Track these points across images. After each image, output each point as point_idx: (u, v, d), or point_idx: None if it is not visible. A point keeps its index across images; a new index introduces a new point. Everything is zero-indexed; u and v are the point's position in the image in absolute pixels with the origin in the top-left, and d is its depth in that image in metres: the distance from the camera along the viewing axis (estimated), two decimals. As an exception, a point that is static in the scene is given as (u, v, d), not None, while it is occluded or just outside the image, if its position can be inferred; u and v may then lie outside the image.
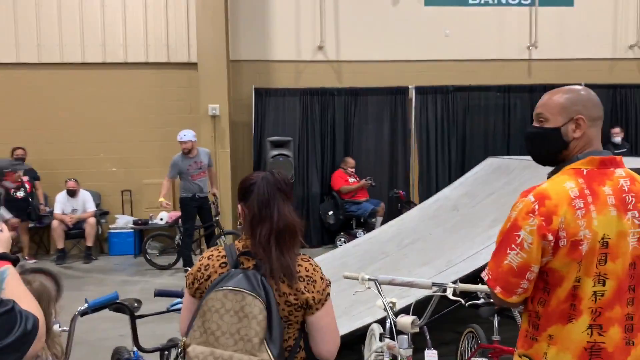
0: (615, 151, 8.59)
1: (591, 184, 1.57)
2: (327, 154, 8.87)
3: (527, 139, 1.76)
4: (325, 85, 8.85)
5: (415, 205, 7.46)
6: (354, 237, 7.60)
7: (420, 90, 9.00)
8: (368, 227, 8.14)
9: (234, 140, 8.63)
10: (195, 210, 7.04)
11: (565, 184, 1.57)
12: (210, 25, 8.01)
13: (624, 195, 1.58)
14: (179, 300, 2.60)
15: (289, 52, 8.85)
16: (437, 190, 7.53)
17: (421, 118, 9.05)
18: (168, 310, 2.68)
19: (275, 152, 8.06)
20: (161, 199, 6.88)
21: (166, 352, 2.73)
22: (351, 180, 8.50)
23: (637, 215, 1.59)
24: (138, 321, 2.69)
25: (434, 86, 9.01)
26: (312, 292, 1.66)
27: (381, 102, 8.94)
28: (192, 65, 8.40)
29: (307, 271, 1.69)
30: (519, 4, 9.09)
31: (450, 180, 7.81)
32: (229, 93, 8.30)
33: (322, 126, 8.86)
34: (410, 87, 8.97)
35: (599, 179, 1.59)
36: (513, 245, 1.56)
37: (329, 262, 5.58)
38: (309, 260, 1.72)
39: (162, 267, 7.44)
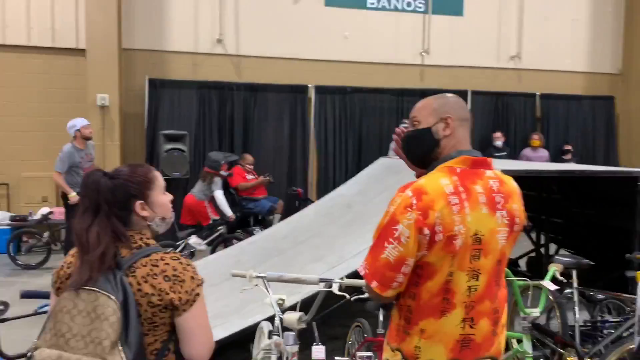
0: (496, 154, 9.26)
1: (464, 181, 1.65)
2: (225, 149, 8.70)
3: (404, 142, 1.83)
4: (224, 79, 8.69)
5: (313, 202, 7.55)
6: (251, 234, 7.52)
7: (319, 89, 9.12)
8: (266, 225, 8.09)
9: (125, 133, 8.22)
10: None
11: (440, 181, 1.64)
12: (101, 10, 7.57)
13: (493, 195, 1.68)
14: (48, 301, 2.41)
15: (187, 44, 8.59)
16: (335, 188, 7.67)
17: (320, 117, 9.17)
18: (36, 313, 2.47)
19: (169, 146, 7.80)
20: (72, 194, 6.01)
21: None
22: (249, 177, 8.41)
23: (505, 214, 1.69)
24: (6, 325, 2.47)
25: (333, 86, 9.17)
26: (179, 293, 1.56)
27: (281, 100, 8.95)
28: (80, 51, 7.89)
29: (175, 270, 1.58)
30: (414, 11, 9.50)
31: (347, 179, 7.97)
32: (120, 83, 7.89)
33: (220, 121, 8.70)
34: (310, 85, 9.06)
35: (471, 178, 1.67)
36: (391, 239, 1.60)
37: (223, 260, 5.48)
38: (178, 259, 1.62)
39: (29, 267, 6.89)
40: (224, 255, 5.71)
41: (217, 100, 8.65)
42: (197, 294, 1.60)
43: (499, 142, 9.48)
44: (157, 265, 1.58)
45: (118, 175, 1.66)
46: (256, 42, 8.84)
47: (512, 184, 1.76)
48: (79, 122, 6.21)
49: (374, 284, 1.63)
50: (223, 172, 7.42)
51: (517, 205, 1.73)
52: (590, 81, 10.40)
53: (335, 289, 2.56)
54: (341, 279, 2.69)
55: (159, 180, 1.74)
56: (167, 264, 1.59)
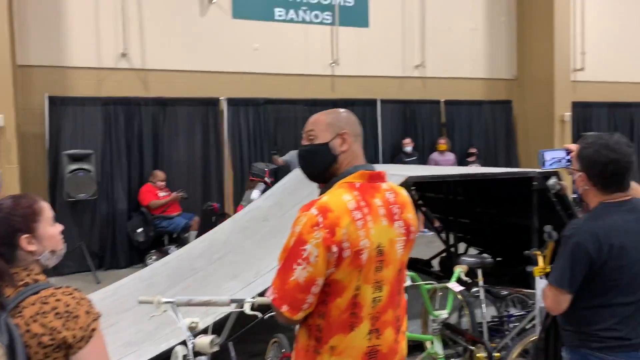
0: (406, 159, 9.60)
1: (365, 196, 1.69)
2: (134, 167, 8.38)
3: (301, 156, 1.84)
4: (130, 95, 8.37)
5: (230, 217, 7.43)
6: (166, 254, 7.28)
7: (231, 101, 9.02)
8: (181, 243, 7.87)
9: (24, 155, 7.69)
10: None
11: (343, 197, 1.66)
12: (-11, 25, 7.05)
13: (391, 206, 1.73)
14: None
15: (88, 59, 8.20)
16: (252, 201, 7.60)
17: (234, 129, 9.07)
18: None
19: (73, 166, 7.38)
20: None
21: None
22: (161, 194, 8.15)
23: (402, 224, 1.75)
24: None
25: (246, 98, 9.11)
26: (73, 330, 1.47)
27: (192, 113, 8.76)
28: (-32, 69, 7.30)
29: (68, 306, 1.49)
30: (321, 23, 9.66)
31: (264, 191, 7.94)
32: (15, 101, 7.38)
33: (128, 138, 8.36)
34: (221, 98, 8.94)
35: (370, 192, 1.71)
36: (299, 260, 1.59)
37: (134, 284, 5.26)
38: (71, 294, 1.52)
39: None
40: (137, 279, 5.48)
41: (123, 116, 8.32)
42: (94, 329, 1.51)
43: (408, 148, 9.84)
44: (47, 303, 1.48)
45: None
46: (163, 56, 8.61)
47: (405, 195, 1.84)
48: None
49: (284, 308, 1.61)
50: (267, 179, 7.97)
51: (411, 214, 1.81)
52: (489, 87, 11.05)
53: (247, 309, 2.52)
54: (254, 297, 2.66)
55: (47, 211, 1.64)
56: (59, 299, 1.49)
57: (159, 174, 8.24)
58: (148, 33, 8.52)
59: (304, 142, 1.83)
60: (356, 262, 1.62)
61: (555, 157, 2.74)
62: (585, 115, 11.53)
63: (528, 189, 4.62)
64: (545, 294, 2.19)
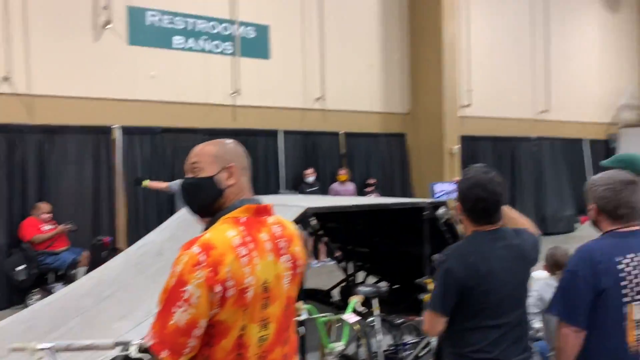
0: (308, 190, 9.70)
1: (251, 231, 1.64)
2: (16, 199, 7.72)
3: (184, 189, 1.76)
4: (12, 121, 7.77)
5: (122, 252, 7.02)
6: (50, 293, 6.72)
7: (126, 130, 8.65)
8: (68, 281, 7.31)
9: None
10: None
11: (227, 233, 1.60)
12: None
13: (277, 240, 1.71)
14: None
15: (-36, 82, 7.53)
16: (147, 234, 7.25)
17: (128, 159, 8.68)
18: None
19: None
20: None
21: None
22: (46, 227, 7.56)
23: (289, 259, 1.73)
24: None
25: (142, 127, 8.78)
26: None
27: (82, 142, 8.27)
28: None
29: None
30: (222, 53, 9.63)
31: (160, 223, 7.61)
32: None
33: (10, 168, 7.70)
34: (114, 126, 8.55)
35: (256, 227, 1.67)
36: (179, 303, 1.50)
37: (11, 328, 4.77)
38: None
39: None
40: (14, 322, 4.98)
41: (4, 144, 7.67)
42: None
43: (310, 178, 9.97)
44: None
45: None
46: (51, 81, 8.10)
47: (292, 228, 1.82)
48: None
49: (164, 354, 1.51)
50: None
51: (299, 247, 1.79)
52: (386, 120, 11.54)
53: (133, 352, 2.36)
54: (142, 338, 2.50)
55: None
56: None
57: (43, 207, 7.64)
58: (35, 57, 7.99)
59: (188, 175, 1.75)
60: (241, 301, 1.57)
61: (444, 190, 2.91)
62: (472, 148, 12.35)
63: (420, 218, 4.83)
64: (424, 318, 2.31)
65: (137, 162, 8.76)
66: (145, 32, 8.91)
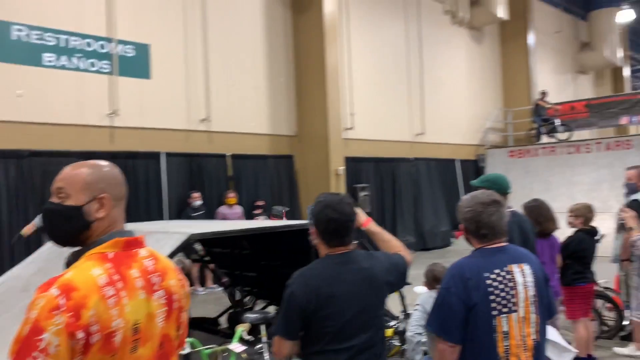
0: (193, 214, 9.41)
1: (119, 268, 1.50)
2: None
3: (45, 216, 1.57)
4: None
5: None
6: None
7: (-13, 154, 7.85)
8: None
9: None
10: None
11: (92, 271, 1.45)
12: None
13: (150, 276, 1.57)
14: None
15: None
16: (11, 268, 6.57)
17: (-11, 185, 7.86)
18: None
19: None
20: None
21: None
22: None
23: (162, 294, 1.59)
24: None
25: (5, 150, 8.01)
26: None
27: None
28: None
29: None
30: (98, 72, 9.11)
31: (27, 257, 6.94)
32: None
33: None
34: (-27, 150, 7.73)
35: (126, 262, 1.53)
36: (35, 353, 1.32)
37: None
38: None
39: None
40: None
41: None
42: None
43: (196, 203, 9.65)
44: None
45: None
46: None
47: (167, 261, 1.69)
48: None
49: None
50: (284, 218, 9.08)
51: (174, 281, 1.66)
52: (273, 142, 11.59)
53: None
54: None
55: None
56: None
57: None
58: None
59: (53, 199, 1.56)
60: (108, 346, 1.42)
61: None
62: (356, 169, 12.79)
63: (307, 240, 4.85)
64: (273, 341, 2.31)
65: (1, 189, 7.96)
66: (11, 48, 8.19)
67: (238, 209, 10.17)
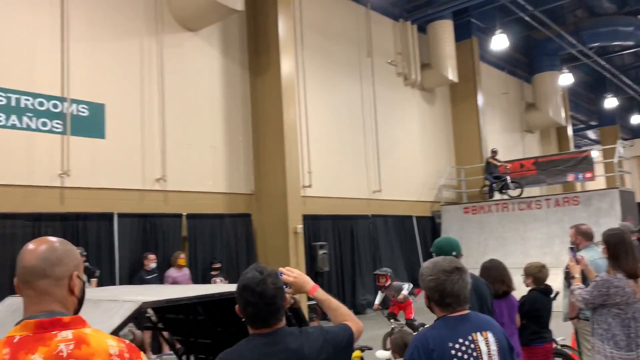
0: (147, 277, 9.08)
1: (18, 353, 1.41)
2: None
3: None
4: None
5: None
6: None
7: None
8: None
9: None
10: None
11: None
12: None
13: None
14: None
15: None
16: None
17: None
18: None
19: None
20: None
21: None
22: None
23: None
24: None
25: (-54, 212, 7.63)
26: None
27: None
28: None
29: None
30: (50, 131, 8.92)
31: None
32: None
33: None
34: None
35: (30, 346, 1.44)
36: None
37: None
38: None
39: None
40: None
41: None
42: None
43: (152, 264, 9.31)
44: None
45: None
46: None
47: (100, 344, 1.53)
48: None
49: None
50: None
51: None
52: (230, 200, 11.48)
53: None
54: None
55: None
56: None
57: None
58: None
59: None
60: None
61: None
62: (315, 226, 12.76)
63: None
64: None
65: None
66: (-44, 107, 7.95)
67: (187, 271, 9.82)
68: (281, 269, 2.51)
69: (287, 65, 11.84)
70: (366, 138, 14.93)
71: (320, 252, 12.44)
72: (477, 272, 4.37)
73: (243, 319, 2.20)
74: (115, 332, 3.24)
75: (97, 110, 9.54)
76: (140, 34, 10.34)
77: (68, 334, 1.49)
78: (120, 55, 9.99)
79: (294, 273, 2.52)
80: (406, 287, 8.70)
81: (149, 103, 10.28)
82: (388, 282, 8.76)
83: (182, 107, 10.82)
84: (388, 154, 15.49)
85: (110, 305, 4.31)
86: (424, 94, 17.74)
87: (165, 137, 10.41)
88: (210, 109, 11.41)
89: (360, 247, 13.99)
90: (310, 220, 12.46)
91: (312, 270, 12.25)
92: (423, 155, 17.14)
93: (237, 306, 2.21)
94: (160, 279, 9.43)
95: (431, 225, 16.49)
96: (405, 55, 16.77)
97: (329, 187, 13.39)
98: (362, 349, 5.45)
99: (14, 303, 5.54)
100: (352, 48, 14.93)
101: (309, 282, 2.52)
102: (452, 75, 17.10)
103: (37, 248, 1.60)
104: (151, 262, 9.31)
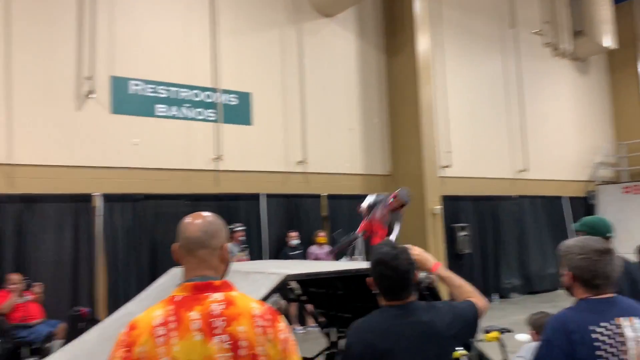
0: (291, 253, 9.64)
1: (179, 310, 1.63)
2: (-9, 271, 7.56)
3: None
4: (-9, 191, 7.74)
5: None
6: (23, 368, 6.48)
7: (107, 197, 8.63)
8: (43, 354, 7.06)
9: None
10: None
11: (154, 313, 1.63)
12: None
13: (212, 319, 1.64)
14: None
15: (-57, 152, 7.54)
16: (126, 304, 7.08)
17: (107, 227, 8.60)
18: None
19: None
20: None
21: None
22: (19, 301, 7.35)
23: (226, 338, 1.63)
24: None
25: (123, 194, 8.77)
26: None
27: (62, 210, 8.21)
28: None
29: None
30: (205, 120, 9.80)
31: (139, 292, 7.46)
32: None
33: (-14, 238, 7.60)
34: (95, 194, 8.53)
35: (188, 305, 1.64)
36: None
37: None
38: None
39: None
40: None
41: (-19, 215, 7.60)
42: None
43: (294, 241, 9.91)
44: None
45: None
46: (32, 150, 8.14)
47: (245, 306, 1.71)
48: None
49: None
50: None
51: (245, 327, 1.67)
52: (367, 182, 11.67)
53: None
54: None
55: None
56: None
57: (13, 277, 7.45)
58: (17, 126, 8.06)
59: None
60: None
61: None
62: (454, 208, 12.46)
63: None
64: None
65: (118, 230, 8.68)
66: (129, 101, 9.07)
67: (327, 248, 10.25)
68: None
69: (423, 43, 11.63)
70: (510, 114, 14.14)
71: (461, 234, 12.14)
72: (631, 257, 4.01)
73: (374, 292, 2.30)
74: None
75: (244, 99, 10.28)
76: (280, 24, 10.87)
77: (219, 295, 1.70)
78: (263, 45, 10.61)
79: (416, 250, 2.56)
80: None
81: (290, 89, 10.80)
82: None
83: (321, 92, 11.20)
84: (535, 131, 14.52)
85: (257, 276, 4.70)
86: (576, 64, 16.27)
87: (305, 121, 10.87)
88: (347, 92, 11.65)
89: (504, 229, 13.38)
90: (450, 201, 12.20)
91: (452, 253, 12.03)
92: (575, 130, 15.79)
93: (369, 279, 2.31)
94: (303, 256, 9.96)
95: (584, 206, 15.21)
96: (554, 24, 15.50)
97: (469, 167, 12.96)
98: (501, 331, 5.29)
99: (177, 273, 6.27)
100: (493, 20, 14.17)
101: (430, 260, 2.57)
102: (609, 41, 15.46)
103: (198, 221, 1.81)
104: (292, 239, 9.91)
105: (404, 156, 11.72)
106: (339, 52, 11.63)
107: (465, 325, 2.31)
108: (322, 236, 10.23)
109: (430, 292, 4.88)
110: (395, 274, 2.21)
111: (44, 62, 8.37)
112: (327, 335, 6.63)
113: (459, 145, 12.76)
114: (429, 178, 11.37)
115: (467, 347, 5.07)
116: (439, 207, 11.39)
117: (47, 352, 7.00)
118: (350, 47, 11.81)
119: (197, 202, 9.38)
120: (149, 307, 5.31)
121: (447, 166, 12.41)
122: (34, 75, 8.28)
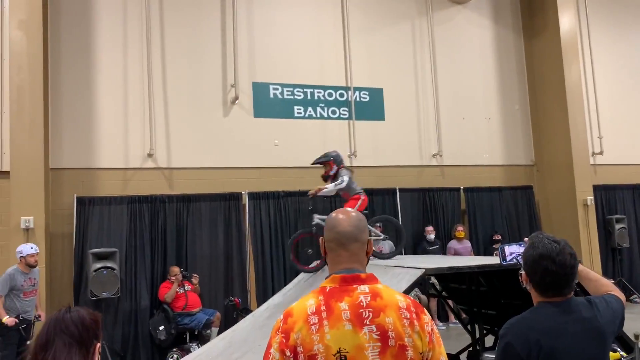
0: (429, 247, 9.51)
1: (329, 300, 1.71)
2: (157, 264, 8.47)
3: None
4: (155, 193, 8.66)
5: (251, 312, 7.34)
6: (188, 352, 7.18)
7: (253, 195, 9.23)
8: (203, 340, 7.77)
9: (51, 254, 7.89)
10: (18, 334, 6.34)
11: (307, 302, 1.72)
12: (27, 133, 7.52)
13: (361, 310, 1.70)
14: None
15: (116, 160, 8.60)
16: (273, 295, 7.53)
17: (255, 223, 9.20)
18: None
19: (98, 265, 7.51)
20: (6, 318, 6.28)
21: None
22: (180, 291, 8.15)
23: (374, 329, 1.68)
24: None
25: (266, 192, 9.32)
26: None
27: (214, 208, 8.96)
28: (5, 174, 7.72)
29: None
30: (339, 118, 10.04)
31: (286, 284, 7.88)
32: (46, 204, 7.69)
33: (152, 234, 8.53)
34: (243, 192, 9.17)
35: (337, 295, 1.72)
36: None
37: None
38: None
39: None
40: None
41: (148, 213, 8.55)
42: None
43: (431, 236, 9.77)
44: None
45: None
46: (187, 155, 8.99)
47: (391, 298, 1.76)
48: (25, 249, 6.62)
49: None
50: None
51: (393, 318, 1.71)
52: (508, 173, 11.11)
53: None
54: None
55: None
56: None
57: (173, 269, 8.26)
58: (174, 134, 8.95)
59: None
60: None
61: (515, 252, 2.69)
62: (609, 198, 11.41)
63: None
64: None
65: (263, 225, 9.24)
66: (269, 105, 9.61)
67: (468, 243, 9.95)
68: (526, 239, 2.43)
69: (567, 21, 10.79)
70: (673, 91, 12.56)
71: (618, 226, 11.08)
72: None
73: (526, 287, 2.21)
74: (405, 294, 3.58)
75: (376, 95, 10.35)
76: (411, 16, 10.76)
77: (365, 287, 1.76)
78: (394, 39, 10.58)
79: None
80: None
81: (421, 82, 10.65)
82: None
83: (455, 81, 10.89)
84: None
85: (398, 270, 4.75)
86: None
87: (439, 113, 10.65)
88: (483, 80, 11.19)
89: (671, 221, 11.94)
90: (603, 191, 11.19)
91: (608, 246, 11.02)
92: None
93: (522, 274, 2.21)
94: (442, 250, 9.78)
95: None
96: None
97: (625, 153, 11.76)
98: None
99: (305, 276, 6.48)
100: (650, -13, 12.68)
101: None
102: None
103: (348, 217, 1.89)
104: (429, 233, 9.76)
105: (550, 144, 10.97)
106: (473, 39, 11.20)
107: (620, 321, 2.17)
108: (460, 230, 9.96)
109: (582, 288, 4.56)
110: (561, 270, 2.07)
111: (194, 75, 9.18)
112: (471, 332, 6.48)
113: (611, 129, 11.63)
114: (579, 166, 10.53)
115: (628, 347, 4.65)
116: (591, 197, 10.50)
117: (206, 339, 7.70)
118: (485, 33, 11.33)
119: (334, 197, 9.62)
120: (297, 298, 5.55)
121: (599, 153, 11.38)
122: (186, 86, 9.12)
